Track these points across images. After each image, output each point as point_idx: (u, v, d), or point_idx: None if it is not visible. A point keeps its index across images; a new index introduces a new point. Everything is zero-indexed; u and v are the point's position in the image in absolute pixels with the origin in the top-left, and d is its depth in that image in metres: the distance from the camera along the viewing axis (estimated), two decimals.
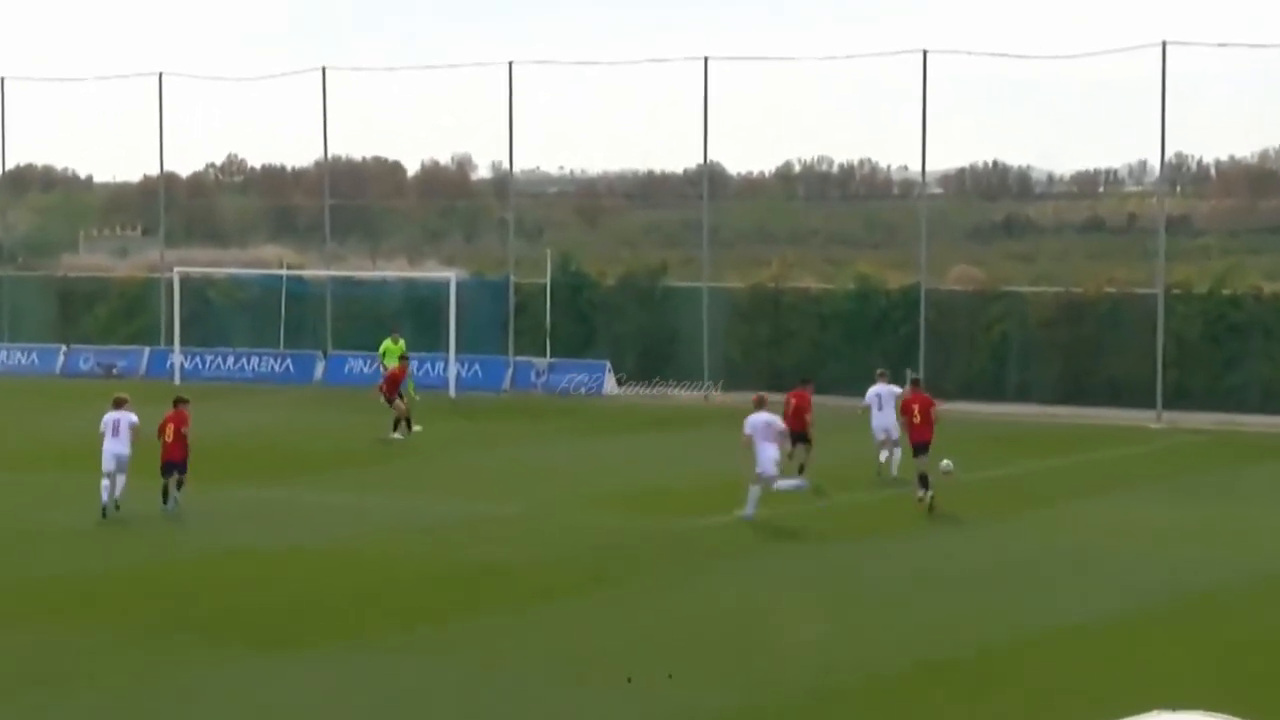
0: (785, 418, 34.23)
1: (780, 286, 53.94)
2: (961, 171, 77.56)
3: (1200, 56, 57.82)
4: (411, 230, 73.31)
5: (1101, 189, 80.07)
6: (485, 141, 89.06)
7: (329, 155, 59.29)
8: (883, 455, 35.68)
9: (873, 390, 36.02)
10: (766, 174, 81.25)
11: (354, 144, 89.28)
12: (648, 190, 78.99)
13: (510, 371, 54.48)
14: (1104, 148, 70.77)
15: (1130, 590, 25.52)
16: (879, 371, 37.15)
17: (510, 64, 54.39)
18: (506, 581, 25.91)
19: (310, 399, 52.28)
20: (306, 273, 59.35)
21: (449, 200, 78.04)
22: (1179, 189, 71.07)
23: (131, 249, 71.86)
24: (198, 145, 78.08)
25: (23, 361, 59.76)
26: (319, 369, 56.65)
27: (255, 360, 57.27)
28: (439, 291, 53.56)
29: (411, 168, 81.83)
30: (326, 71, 57.10)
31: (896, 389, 35.45)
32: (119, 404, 31.67)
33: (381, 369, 46.66)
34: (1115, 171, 78.77)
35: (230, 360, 57.35)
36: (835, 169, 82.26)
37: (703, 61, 52.34)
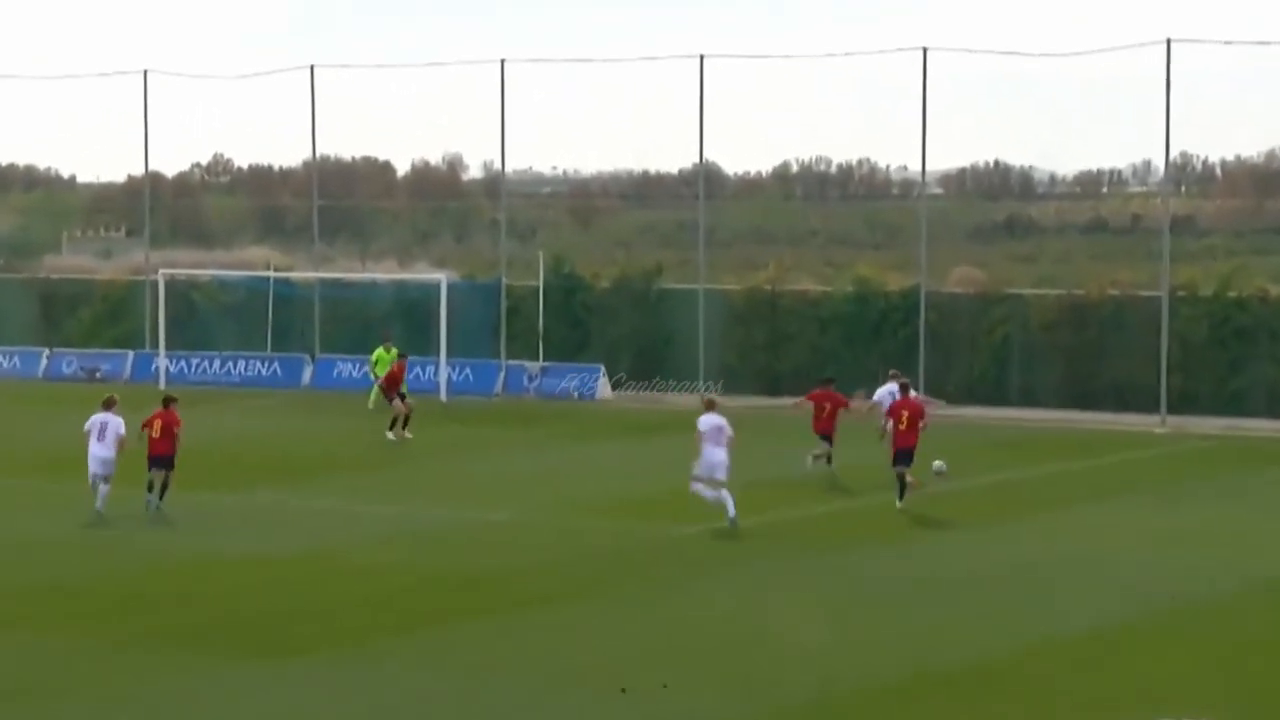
0: (818, 420, 35.07)
1: (778, 288, 53.39)
2: (962, 171, 77.20)
3: (1205, 54, 57.41)
4: (401, 231, 72.88)
5: (1105, 189, 79.68)
6: (477, 141, 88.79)
7: (317, 155, 58.72)
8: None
9: (884, 389, 36.16)
10: (764, 174, 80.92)
11: (343, 143, 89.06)
12: (642, 191, 78.56)
13: (502, 375, 53.91)
14: (1107, 147, 70.53)
15: (1134, 596, 25.50)
16: (891, 371, 37.36)
17: (502, 62, 53.87)
18: (499, 588, 25.80)
19: (298, 403, 51.89)
20: (294, 274, 58.80)
21: (440, 201, 77.55)
22: (1184, 189, 70.75)
23: (116, 250, 71.41)
24: (183, 144, 77.88)
25: (4, 365, 59.12)
26: (307, 373, 56.12)
27: (242, 364, 56.71)
28: (429, 294, 53.00)
29: (402, 168, 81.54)
30: (315, 70, 56.54)
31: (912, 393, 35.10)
32: (108, 405, 31.39)
33: (372, 377, 46.16)
34: (1119, 171, 78.45)
35: (216, 364, 56.77)
36: (834, 169, 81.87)
37: (698, 59, 51.82)
